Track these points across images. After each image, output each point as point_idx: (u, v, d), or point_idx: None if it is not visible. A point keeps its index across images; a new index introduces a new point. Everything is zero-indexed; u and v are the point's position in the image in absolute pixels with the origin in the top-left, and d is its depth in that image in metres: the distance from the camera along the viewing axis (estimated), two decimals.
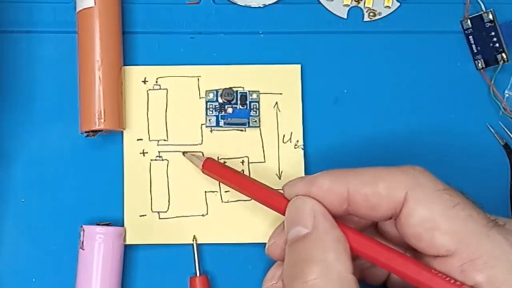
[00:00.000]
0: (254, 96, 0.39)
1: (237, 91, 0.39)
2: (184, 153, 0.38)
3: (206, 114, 0.39)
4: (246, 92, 0.39)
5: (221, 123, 0.39)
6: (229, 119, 0.39)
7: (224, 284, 0.38)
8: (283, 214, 0.32)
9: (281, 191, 0.33)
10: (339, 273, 0.28)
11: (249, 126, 0.39)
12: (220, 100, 0.39)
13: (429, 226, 0.28)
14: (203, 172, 0.37)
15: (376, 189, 0.29)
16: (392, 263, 0.29)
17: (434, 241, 0.28)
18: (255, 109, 0.39)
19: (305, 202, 0.30)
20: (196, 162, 0.38)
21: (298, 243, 0.29)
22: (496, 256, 0.27)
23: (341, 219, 0.31)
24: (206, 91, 0.39)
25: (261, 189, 0.34)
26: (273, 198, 0.33)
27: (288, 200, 0.32)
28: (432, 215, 0.28)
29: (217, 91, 0.39)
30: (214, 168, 0.37)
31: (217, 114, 0.39)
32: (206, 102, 0.39)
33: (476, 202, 0.30)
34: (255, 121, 0.39)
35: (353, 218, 0.32)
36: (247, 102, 0.39)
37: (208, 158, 0.37)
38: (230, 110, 0.39)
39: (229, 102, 0.39)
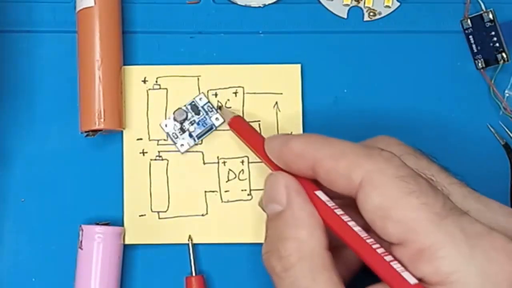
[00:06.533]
0: (203, 98, 0.39)
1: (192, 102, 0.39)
2: (219, 107, 0.39)
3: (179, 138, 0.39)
4: (194, 101, 0.39)
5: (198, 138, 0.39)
6: (200, 131, 0.39)
7: (223, 284, 0.39)
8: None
9: None
10: (312, 249, 0.28)
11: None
12: (176, 124, 0.39)
13: (381, 214, 0.27)
14: (229, 127, 0.37)
15: (336, 166, 0.28)
16: (348, 238, 0.28)
17: (386, 229, 0.27)
18: (209, 110, 0.39)
19: (278, 178, 0.30)
20: (225, 117, 0.38)
21: (274, 220, 0.29)
22: (444, 247, 0.26)
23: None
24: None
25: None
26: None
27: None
28: (384, 203, 0.27)
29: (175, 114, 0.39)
30: (240, 126, 0.36)
31: (187, 134, 0.39)
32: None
33: (457, 177, 0.30)
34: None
35: None
36: (199, 109, 0.39)
37: (236, 116, 0.37)
38: (192, 128, 0.39)
39: (184, 120, 0.38)
